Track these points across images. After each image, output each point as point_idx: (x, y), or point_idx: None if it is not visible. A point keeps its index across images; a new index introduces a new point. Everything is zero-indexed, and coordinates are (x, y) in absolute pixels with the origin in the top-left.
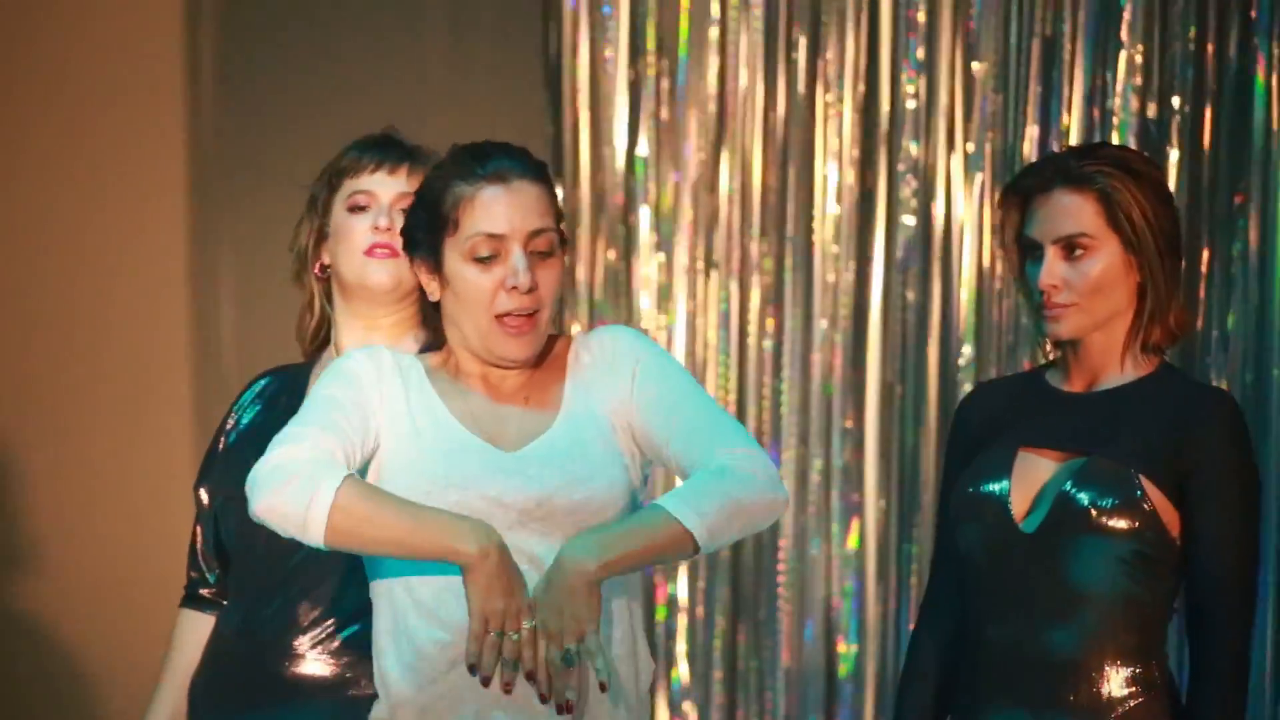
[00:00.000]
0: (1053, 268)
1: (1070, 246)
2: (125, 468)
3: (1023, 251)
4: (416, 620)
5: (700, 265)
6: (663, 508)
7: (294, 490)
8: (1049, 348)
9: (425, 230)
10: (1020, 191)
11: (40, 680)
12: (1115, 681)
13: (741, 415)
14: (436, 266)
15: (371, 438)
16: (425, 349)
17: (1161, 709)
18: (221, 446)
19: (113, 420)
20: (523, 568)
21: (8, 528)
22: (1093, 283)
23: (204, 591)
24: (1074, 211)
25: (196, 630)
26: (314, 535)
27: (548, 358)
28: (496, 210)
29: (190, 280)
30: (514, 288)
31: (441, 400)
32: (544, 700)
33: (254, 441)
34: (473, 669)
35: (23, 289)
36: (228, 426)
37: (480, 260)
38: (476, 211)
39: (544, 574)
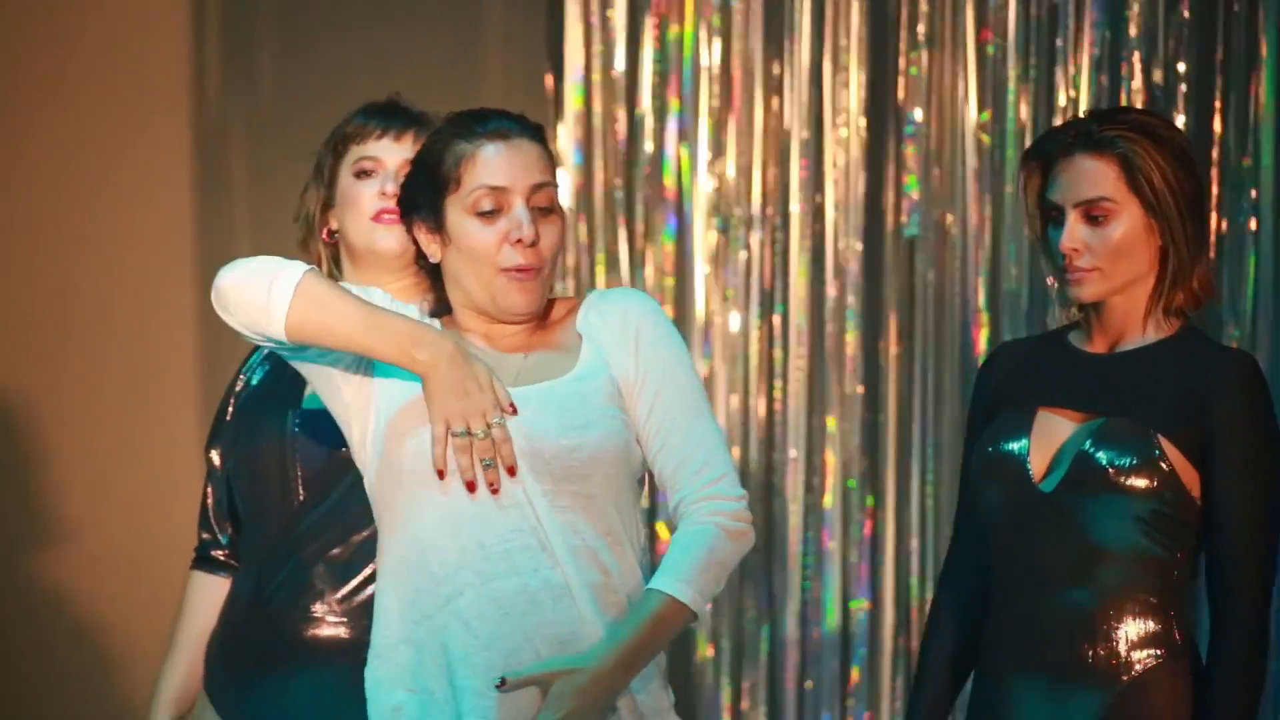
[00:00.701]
0: (1074, 231)
1: (1091, 210)
2: (133, 439)
3: (1045, 215)
4: (415, 556)
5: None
6: (665, 593)
7: (260, 267)
8: (1072, 310)
9: (426, 191)
10: (1042, 155)
11: (61, 648)
12: (1134, 641)
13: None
14: (438, 226)
15: (360, 379)
16: (433, 314)
17: (1181, 669)
18: (232, 408)
19: (121, 396)
20: (508, 494)
21: (23, 503)
22: (1114, 246)
23: (215, 553)
24: (1095, 175)
25: (208, 592)
26: (276, 316)
27: (553, 317)
28: (498, 164)
29: (195, 259)
30: (518, 240)
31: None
32: (511, 473)
33: (264, 403)
34: (441, 474)
35: (31, 273)
36: (237, 388)
37: (483, 214)
38: (478, 166)
39: (573, 684)
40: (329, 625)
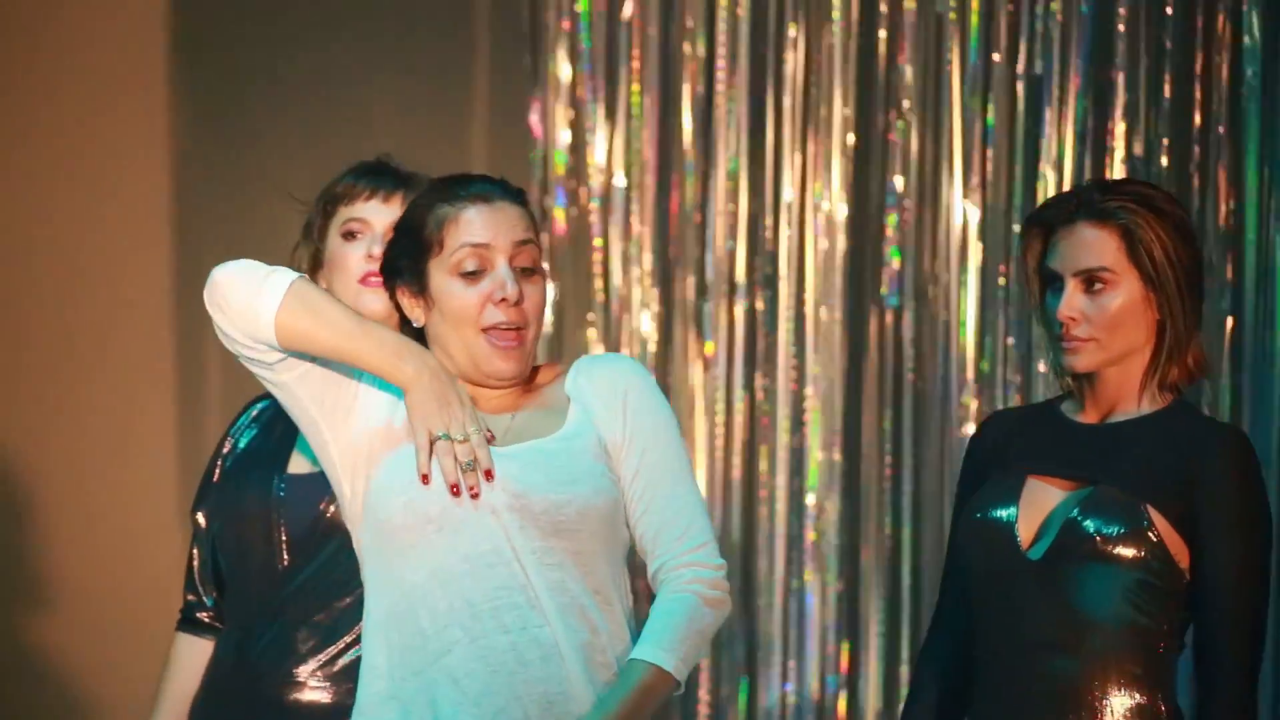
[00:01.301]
0: (1072, 300)
1: (1090, 280)
2: (113, 499)
3: (1043, 282)
4: (405, 610)
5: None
6: (651, 663)
7: (255, 265)
8: (1065, 380)
9: (408, 256)
10: (1043, 222)
11: (40, 707)
12: (1119, 713)
13: None
14: (421, 290)
15: (347, 394)
16: None
17: None
18: (218, 470)
19: (101, 445)
20: (497, 553)
21: (8, 563)
22: (1111, 317)
23: (200, 615)
24: (1096, 245)
25: (193, 654)
26: (267, 311)
27: (539, 381)
28: (481, 224)
29: (175, 298)
30: (502, 299)
31: None
32: (489, 477)
33: (250, 466)
34: (425, 479)
35: (4, 329)
36: (224, 450)
37: (466, 275)
38: (461, 227)
39: None
40: (311, 690)
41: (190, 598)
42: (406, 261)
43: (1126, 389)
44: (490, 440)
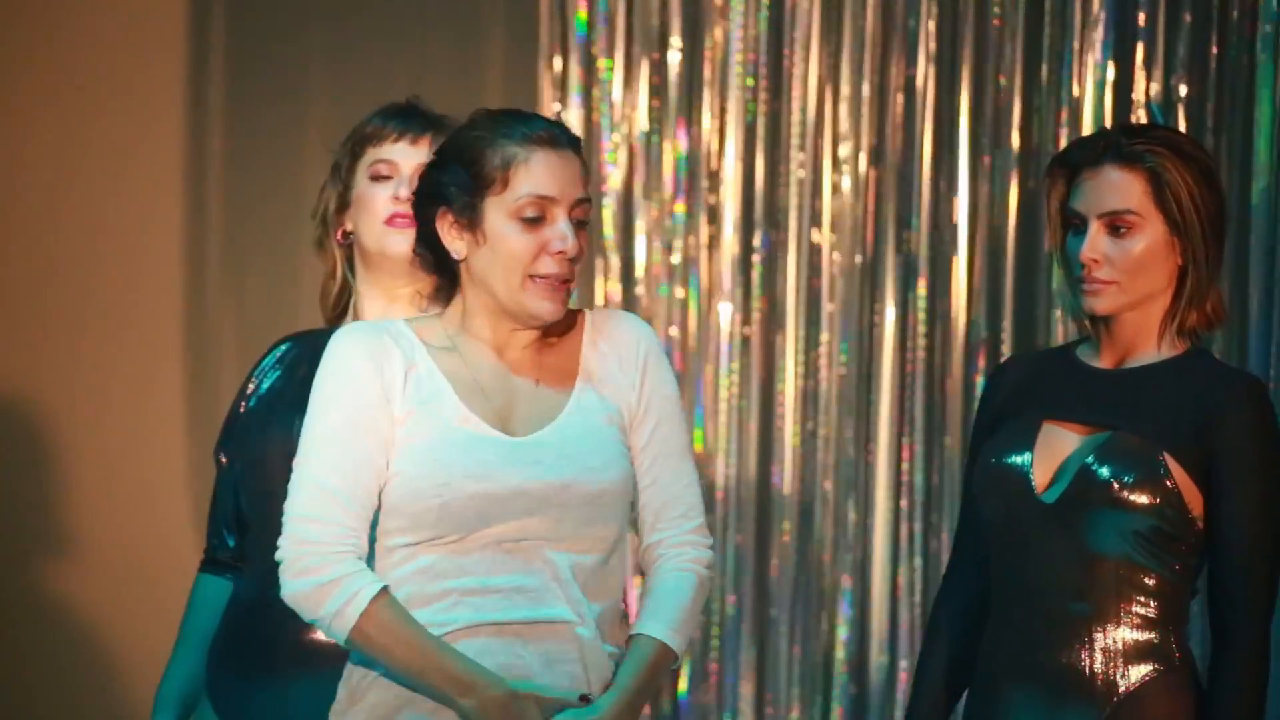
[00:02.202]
0: (1096, 242)
1: (1115, 222)
2: (131, 446)
3: (1066, 223)
4: (416, 577)
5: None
6: (660, 640)
7: (324, 600)
8: (1082, 328)
9: (462, 186)
10: (1068, 164)
11: (63, 651)
12: (1132, 655)
13: None
14: (472, 223)
15: (384, 461)
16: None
17: (1179, 685)
18: (242, 411)
19: (119, 398)
20: (518, 544)
21: (23, 508)
22: (1134, 260)
23: (222, 556)
24: (1122, 188)
25: (214, 594)
26: (334, 638)
27: (559, 330)
28: (549, 175)
29: (185, 264)
30: (560, 252)
31: (448, 382)
32: None
33: (273, 407)
34: None
35: (28, 292)
36: (248, 391)
37: (527, 220)
38: (531, 173)
39: None
40: None
41: (213, 540)
42: (458, 191)
43: (1144, 333)
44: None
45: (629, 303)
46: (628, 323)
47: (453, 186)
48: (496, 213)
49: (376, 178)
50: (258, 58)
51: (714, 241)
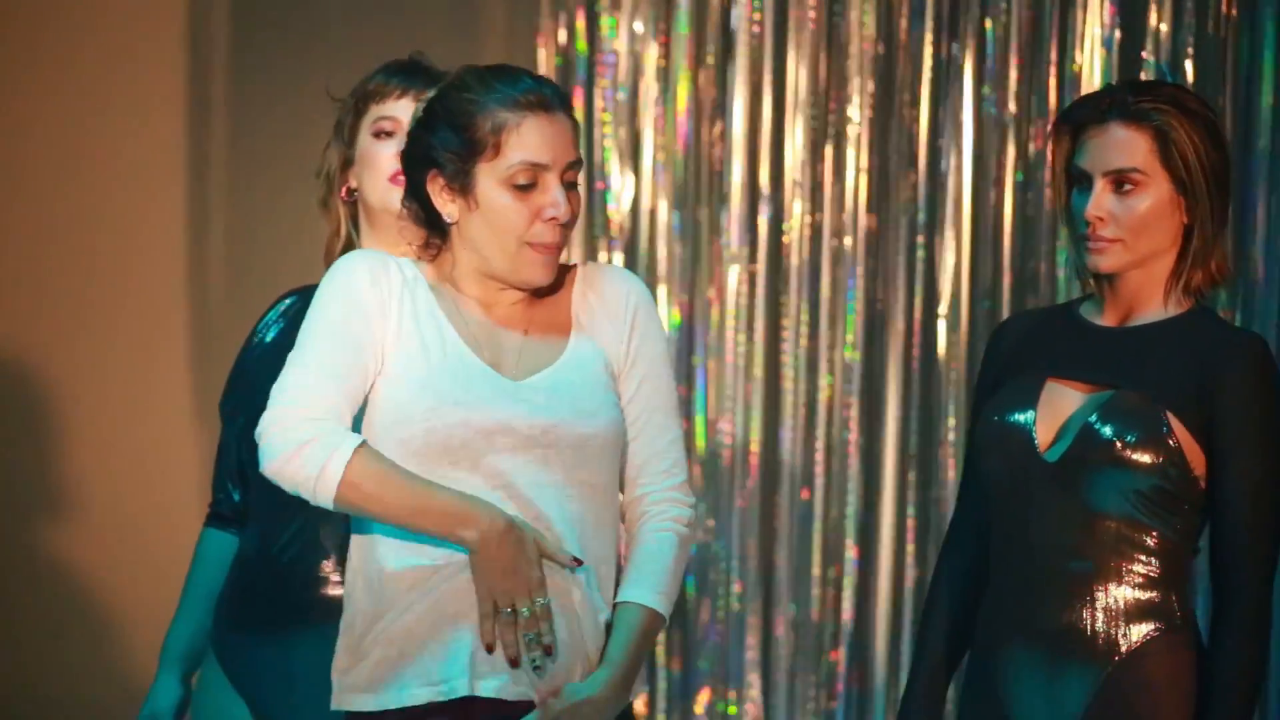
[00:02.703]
0: (1101, 200)
1: (1120, 180)
2: (134, 407)
3: (1070, 181)
4: (384, 547)
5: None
6: (647, 606)
7: (304, 459)
8: (1085, 285)
9: (452, 150)
10: (1073, 121)
11: (64, 612)
12: (1133, 613)
13: None
14: (464, 189)
15: (374, 366)
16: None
17: (1180, 644)
18: (245, 364)
19: (120, 359)
20: (509, 488)
21: (24, 471)
22: (1139, 218)
23: (226, 510)
24: (1127, 145)
25: (218, 549)
26: (322, 502)
27: (549, 287)
28: (541, 140)
29: (187, 225)
30: (552, 218)
31: (446, 319)
32: (549, 652)
33: (275, 360)
34: (489, 648)
35: (30, 257)
36: (252, 343)
37: (519, 188)
38: (522, 138)
39: (575, 703)
40: (334, 585)
41: (218, 493)
42: (449, 155)
43: (1148, 291)
44: (574, 563)
45: (632, 262)
46: (618, 275)
47: (444, 150)
48: (488, 179)
49: (380, 134)
50: (261, 22)
51: (722, 201)
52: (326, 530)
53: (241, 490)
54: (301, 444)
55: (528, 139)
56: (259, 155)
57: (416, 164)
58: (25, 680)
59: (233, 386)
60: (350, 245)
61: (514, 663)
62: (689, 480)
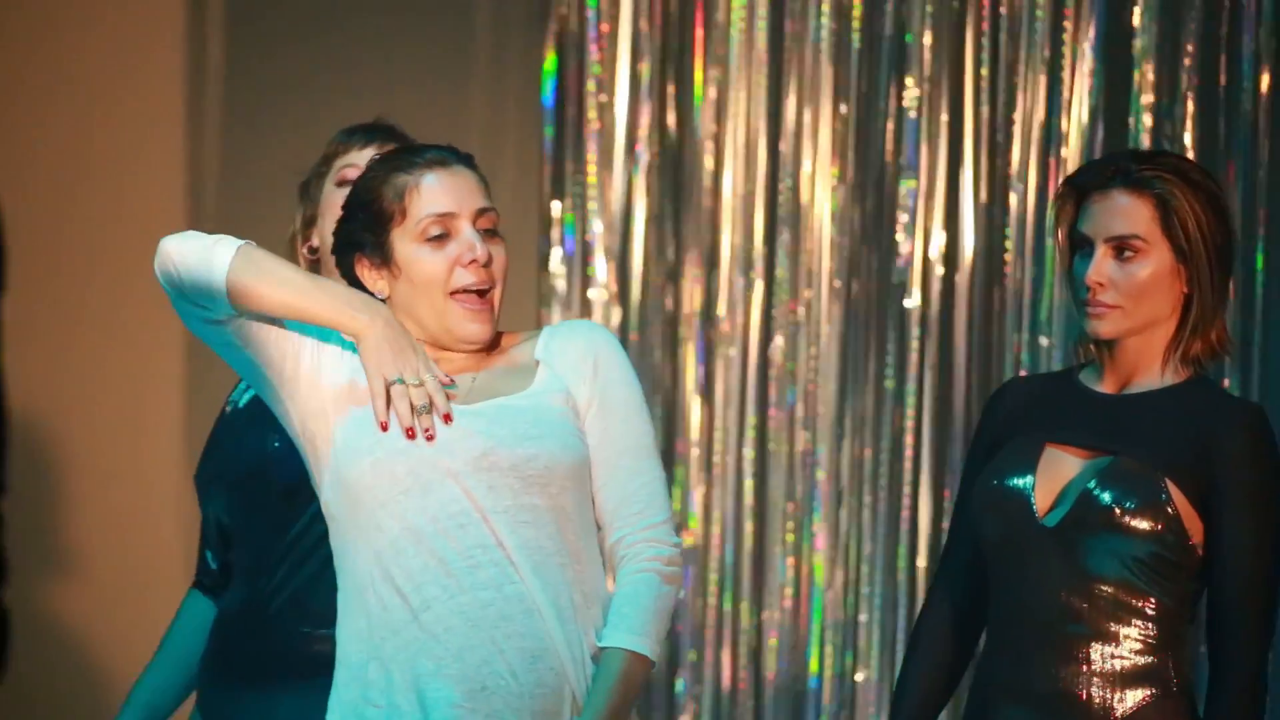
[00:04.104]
0: (1101, 265)
1: (1121, 247)
2: (127, 458)
3: (1073, 247)
4: (379, 573)
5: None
6: (626, 649)
7: (199, 237)
8: (1085, 352)
9: (368, 229)
10: (1077, 186)
11: (52, 668)
12: (1129, 679)
13: None
14: (385, 260)
15: (291, 347)
16: None
17: (1175, 710)
18: (219, 434)
19: (114, 410)
20: (467, 514)
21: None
22: (1139, 285)
23: (206, 581)
24: (1129, 213)
25: (198, 611)
26: (218, 276)
27: (504, 345)
28: (442, 191)
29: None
30: (471, 261)
31: None
32: (447, 420)
33: (248, 423)
34: (383, 426)
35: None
36: (225, 413)
37: (432, 239)
38: (423, 195)
39: None
40: (320, 639)
41: (199, 560)
42: (366, 235)
43: (1147, 359)
44: (448, 385)
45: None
46: (581, 324)
47: (361, 232)
48: (403, 242)
49: (343, 183)
50: (259, 19)
51: (717, 189)
52: (312, 583)
53: (223, 553)
54: (187, 236)
55: (429, 194)
56: (255, 162)
57: (344, 254)
58: None
59: (207, 455)
60: (301, 241)
61: (409, 434)
62: (670, 520)
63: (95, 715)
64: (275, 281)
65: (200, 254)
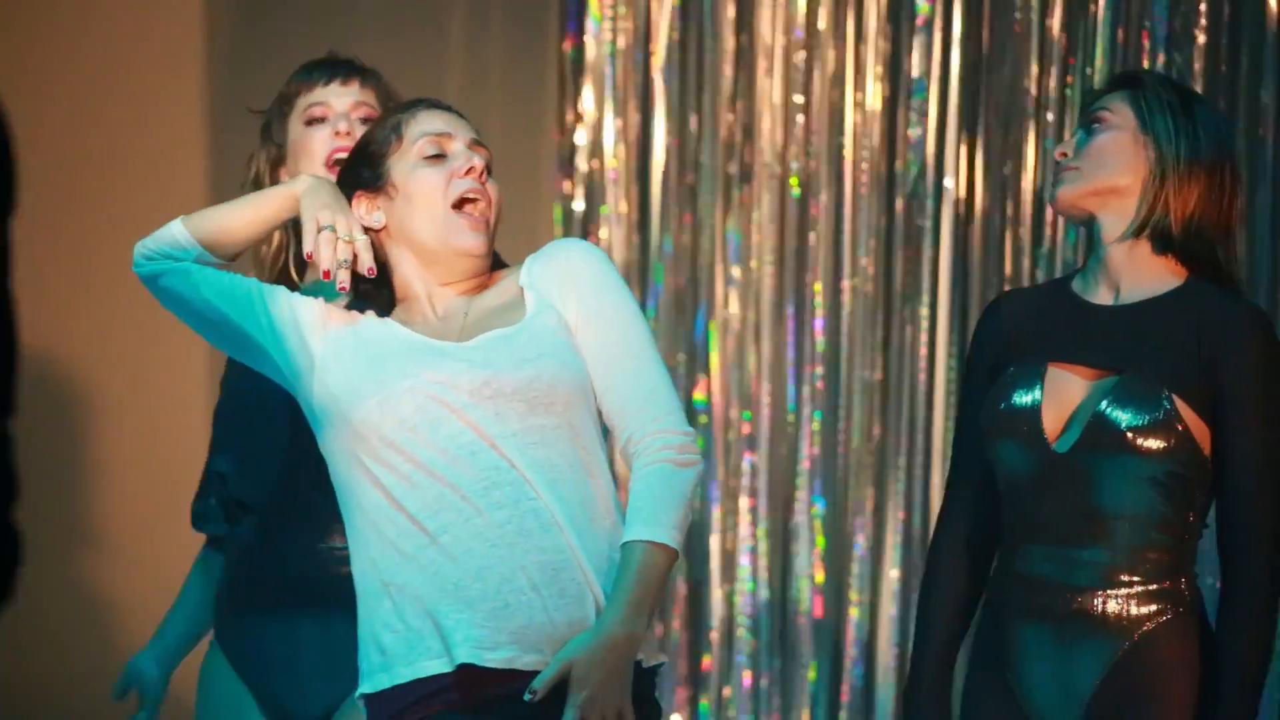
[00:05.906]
0: (1070, 140)
1: (1091, 121)
2: (154, 435)
3: None
4: (390, 505)
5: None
6: (645, 541)
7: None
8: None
9: (367, 165)
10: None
11: (82, 640)
12: (1144, 598)
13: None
14: (382, 186)
15: (281, 310)
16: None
17: (1190, 627)
18: (224, 386)
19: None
20: (476, 444)
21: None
22: (1096, 147)
23: (213, 531)
24: (1110, 96)
25: (216, 563)
26: (176, 227)
27: (492, 282)
28: (438, 117)
29: None
30: (468, 170)
31: (392, 319)
32: (372, 274)
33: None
34: (308, 256)
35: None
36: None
37: (430, 159)
38: (420, 121)
39: (590, 661)
40: (338, 564)
41: (200, 508)
42: (364, 170)
43: (1131, 260)
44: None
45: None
46: (564, 245)
47: (359, 169)
48: (401, 165)
49: (311, 121)
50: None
51: (747, 175)
52: (329, 509)
53: (233, 511)
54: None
55: (424, 121)
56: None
57: (348, 195)
58: (32, 704)
59: (218, 414)
60: (283, 247)
61: (326, 275)
62: (678, 410)
63: (108, 677)
64: (223, 206)
65: (156, 233)
